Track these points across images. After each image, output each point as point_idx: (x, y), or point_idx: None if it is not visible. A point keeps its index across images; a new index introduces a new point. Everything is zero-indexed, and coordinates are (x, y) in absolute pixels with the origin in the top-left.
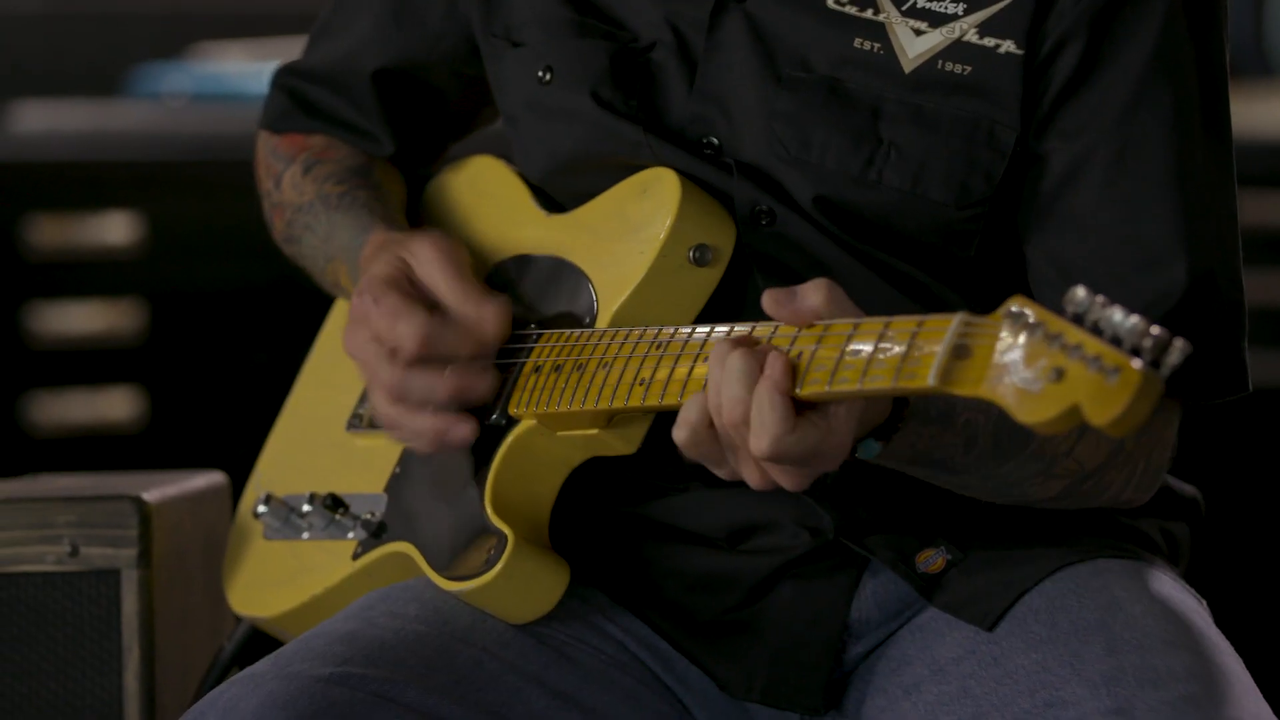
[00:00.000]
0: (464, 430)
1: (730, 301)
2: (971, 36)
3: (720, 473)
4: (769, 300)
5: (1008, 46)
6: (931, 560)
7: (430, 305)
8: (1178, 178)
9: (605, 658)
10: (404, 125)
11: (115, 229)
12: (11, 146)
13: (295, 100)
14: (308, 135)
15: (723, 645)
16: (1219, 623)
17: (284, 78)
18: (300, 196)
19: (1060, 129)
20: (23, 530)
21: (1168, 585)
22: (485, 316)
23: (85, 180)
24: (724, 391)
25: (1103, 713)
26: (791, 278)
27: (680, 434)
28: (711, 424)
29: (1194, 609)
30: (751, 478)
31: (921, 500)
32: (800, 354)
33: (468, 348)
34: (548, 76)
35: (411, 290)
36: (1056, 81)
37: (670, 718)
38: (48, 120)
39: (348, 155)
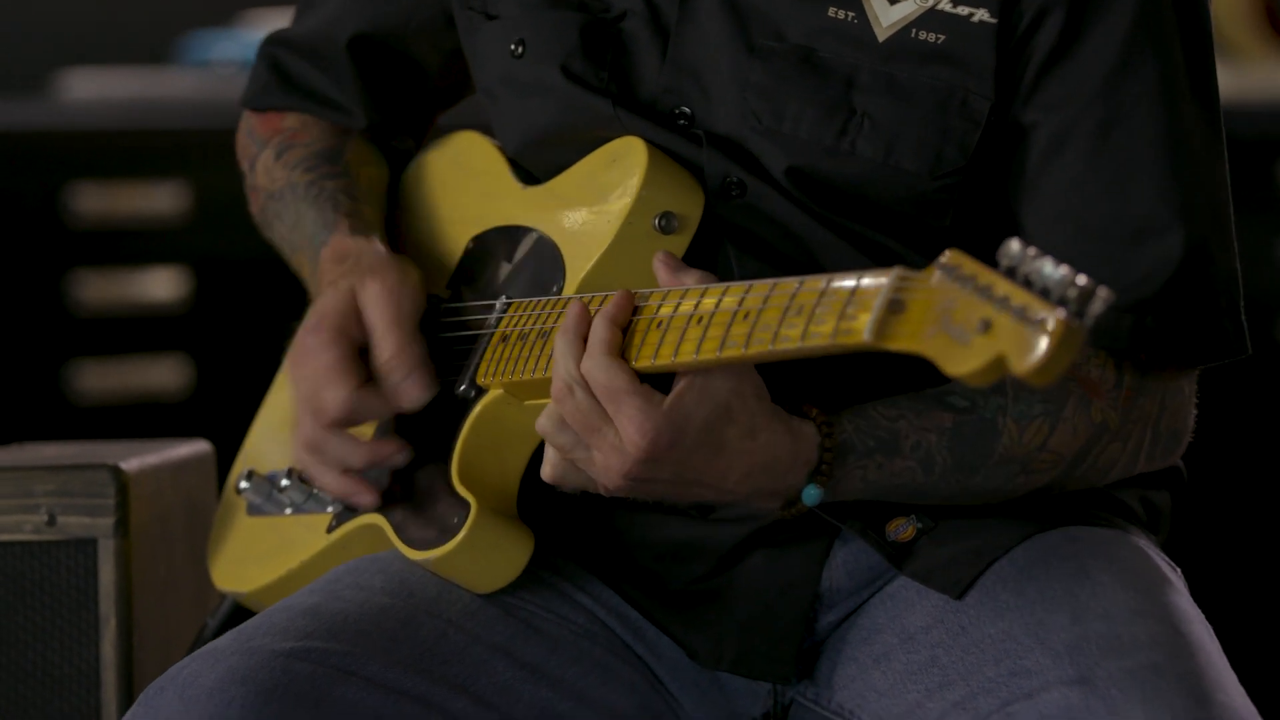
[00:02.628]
0: (367, 500)
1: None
2: (945, 5)
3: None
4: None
5: (981, 15)
6: (902, 529)
7: (363, 351)
8: (1165, 147)
9: (575, 628)
10: (384, 95)
11: (162, 197)
12: (60, 114)
13: (275, 73)
14: (283, 115)
15: (693, 615)
16: (1200, 592)
17: (268, 47)
18: (272, 183)
19: (1043, 101)
20: (0, 499)
21: (1140, 554)
22: (406, 388)
23: (133, 148)
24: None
25: (1065, 681)
26: (763, 249)
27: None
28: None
29: (1165, 578)
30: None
31: None
32: (748, 314)
33: (386, 414)
34: (520, 50)
35: (354, 335)
36: (1039, 53)
37: (641, 688)
38: (97, 88)
39: (318, 138)
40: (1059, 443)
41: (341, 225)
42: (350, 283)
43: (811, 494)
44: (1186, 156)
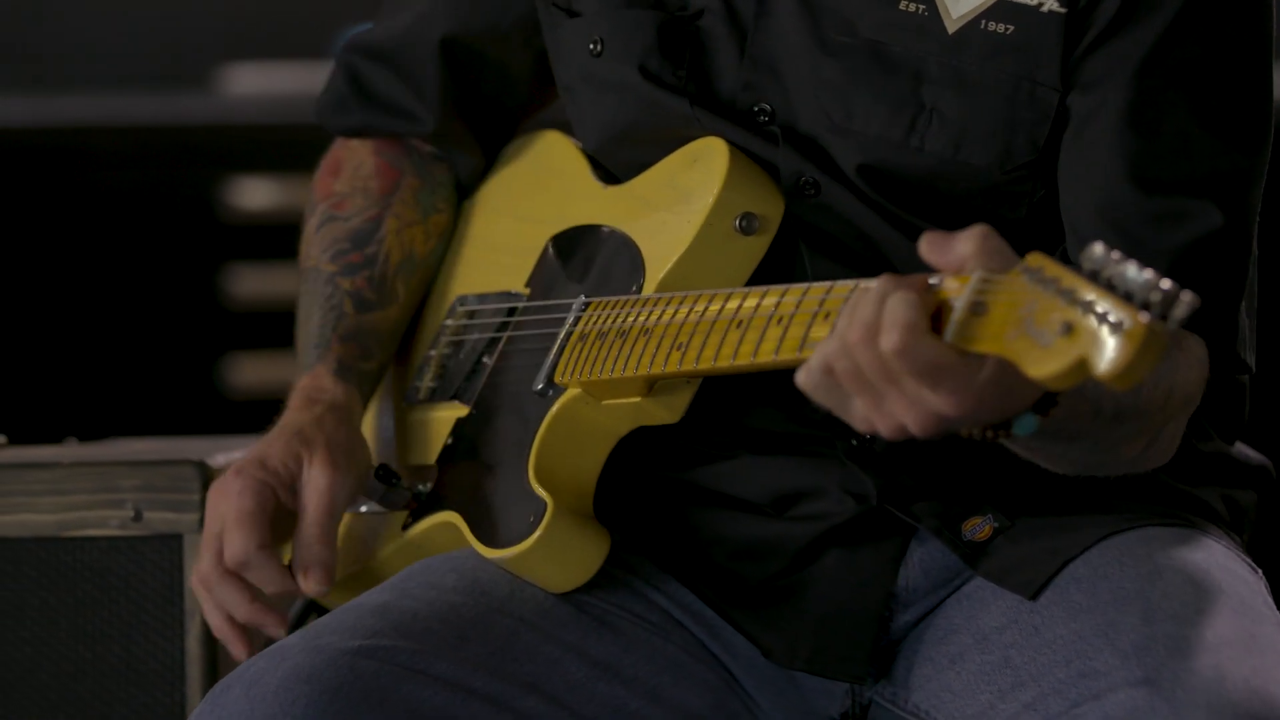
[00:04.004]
0: (239, 651)
1: (777, 271)
2: None
3: (854, 419)
4: (926, 244)
5: (1050, 5)
6: (979, 528)
7: (285, 516)
8: (1189, 135)
9: (649, 626)
10: (466, 100)
11: None
12: (222, 109)
13: (352, 85)
14: (337, 171)
15: (767, 613)
16: None
17: (346, 54)
18: (306, 259)
19: (1081, 82)
20: (87, 495)
21: (1217, 554)
22: (311, 577)
23: (292, 143)
24: (857, 312)
25: (1131, 683)
26: (837, 248)
27: (801, 375)
28: (830, 370)
29: (1242, 578)
30: (882, 417)
31: (968, 466)
32: (829, 315)
33: (277, 590)
34: (598, 48)
35: (279, 499)
36: (1090, 35)
37: (716, 686)
38: (258, 83)
39: (360, 210)
40: (1181, 395)
41: (329, 357)
42: (300, 449)
43: (1030, 423)
44: (1211, 147)
